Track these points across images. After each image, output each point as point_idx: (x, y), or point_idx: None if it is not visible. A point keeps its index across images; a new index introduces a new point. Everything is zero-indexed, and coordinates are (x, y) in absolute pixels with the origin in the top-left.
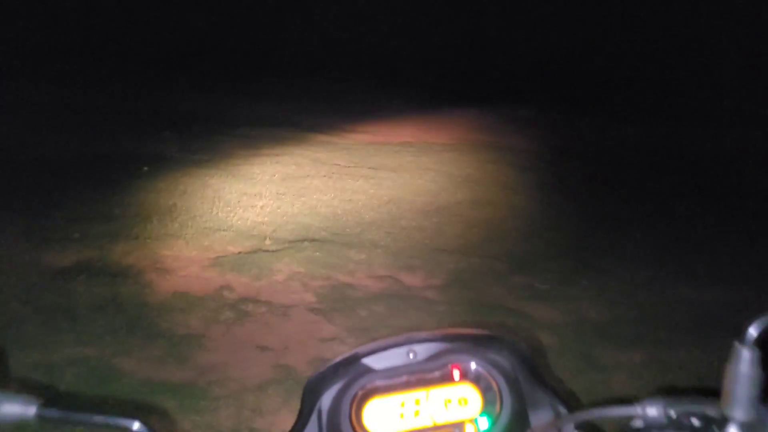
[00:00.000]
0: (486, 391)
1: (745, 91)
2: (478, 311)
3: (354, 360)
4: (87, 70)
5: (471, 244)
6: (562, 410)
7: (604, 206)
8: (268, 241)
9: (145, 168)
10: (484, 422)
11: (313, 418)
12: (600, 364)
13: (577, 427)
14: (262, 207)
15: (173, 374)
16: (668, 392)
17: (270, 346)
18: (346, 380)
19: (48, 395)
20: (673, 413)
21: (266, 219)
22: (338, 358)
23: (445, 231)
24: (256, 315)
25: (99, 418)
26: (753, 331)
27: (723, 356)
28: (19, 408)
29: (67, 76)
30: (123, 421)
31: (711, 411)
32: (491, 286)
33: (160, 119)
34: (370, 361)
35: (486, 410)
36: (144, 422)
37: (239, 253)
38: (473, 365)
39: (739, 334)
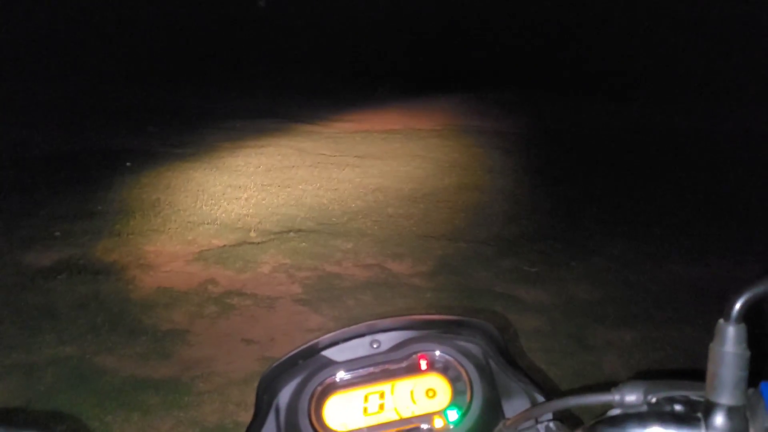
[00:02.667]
0: (455, 380)
1: (730, 70)
2: (466, 296)
3: (313, 352)
4: (67, 66)
5: (458, 230)
6: (538, 398)
7: (591, 187)
8: (253, 234)
9: (128, 163)
10: (454, 414)
11: (271, 416)
12: (590, 344)
13: (554, 416)
14: (246, 199)
15: (157, 371)
16: (649, 376)
17: (255, 339)
18: (304, 375)
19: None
20: (653, 399)
21: (251, 211)
22: (295, 350)
23: (432, 217)
24: (241, 308)
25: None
26: (738, 306)
27: (713, 333)
28: None
29: (46, 71)
30: None
31: (694, 395)
32: (479, 271)
33: (142, 114)
34: (330, 353)
35: (455, 401)
36: None
37: (224, 246)
38: (440, 353)
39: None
